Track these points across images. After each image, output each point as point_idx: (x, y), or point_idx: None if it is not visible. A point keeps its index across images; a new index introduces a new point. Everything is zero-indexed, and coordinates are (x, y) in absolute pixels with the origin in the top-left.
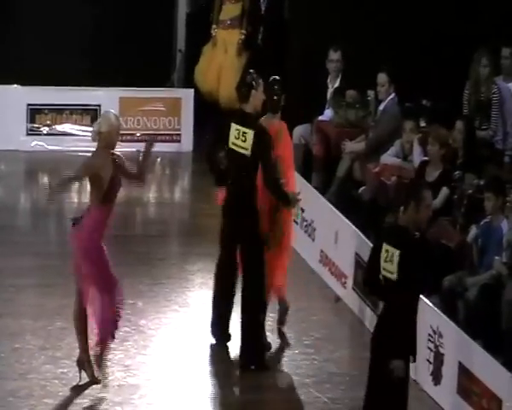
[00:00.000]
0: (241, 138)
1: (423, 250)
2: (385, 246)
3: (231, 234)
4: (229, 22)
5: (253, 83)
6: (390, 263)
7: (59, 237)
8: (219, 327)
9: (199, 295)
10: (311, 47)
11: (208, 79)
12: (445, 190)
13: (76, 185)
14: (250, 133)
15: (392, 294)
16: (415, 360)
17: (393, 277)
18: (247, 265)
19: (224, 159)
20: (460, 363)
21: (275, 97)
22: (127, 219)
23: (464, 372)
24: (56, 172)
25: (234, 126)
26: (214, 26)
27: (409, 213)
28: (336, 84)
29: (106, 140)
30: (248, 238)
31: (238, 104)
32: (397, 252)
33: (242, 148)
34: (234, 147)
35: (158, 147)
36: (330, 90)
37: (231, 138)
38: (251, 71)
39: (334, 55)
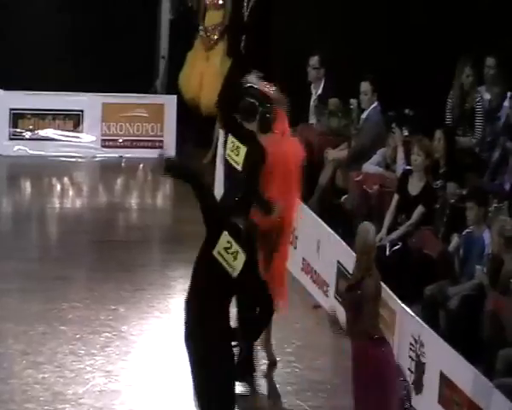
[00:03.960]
0: (234, 152)
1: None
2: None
3: None
4: (211, 29)
5: (258, 100)
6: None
7: (41, 242)
8: None
9: (180, 302)
10: (294, 55)
11: (191, 85)
12: (420, 209)
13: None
14: (243, 149)
15: None
16: None
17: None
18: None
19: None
20: (441, 372)
21: (267, 115)
22: (109, 224)
23: (445, 382)
24: (39, 178)
25: (230, 138)
26: (200, 31)
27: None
28: (319, 92)
29: None
30: None
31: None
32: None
33: (235, 162)
34: (229, 158)
35: (140, 153)
36: (313, 98)
37: (228, 148)
38: (255, 86)
39: (313, 61)
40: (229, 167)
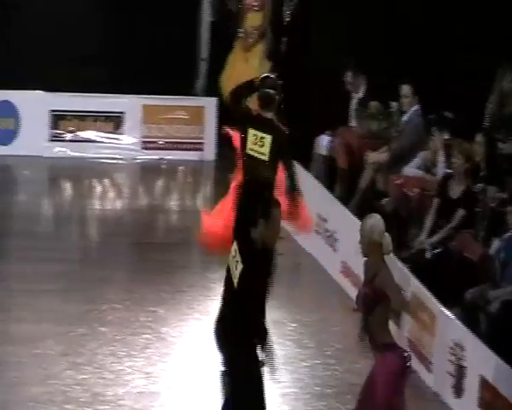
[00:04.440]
0: (258, 144)
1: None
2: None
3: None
4: (251, 31)
5: (276, 89)
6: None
7: (81, 243)
8: None
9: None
10: (335, 57)
11: (230, 86)
12: (461, 212)
13: None
14: (268, 138)
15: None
16: None
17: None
18: None
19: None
20: (482, 376)
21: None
22: (149, 226)
23: (486, 386)
24: (79, 179)
25: (251, 132)
26: (240, 33)
27: (259, 229)
28: (360, 95)
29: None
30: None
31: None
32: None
33: (260, 153)
34: (252, 152)
35: (180, 155)
36: (354, 101)
37: (249, 145)
38: (270, 75)
39: (347, 77)
40: (250, 164)
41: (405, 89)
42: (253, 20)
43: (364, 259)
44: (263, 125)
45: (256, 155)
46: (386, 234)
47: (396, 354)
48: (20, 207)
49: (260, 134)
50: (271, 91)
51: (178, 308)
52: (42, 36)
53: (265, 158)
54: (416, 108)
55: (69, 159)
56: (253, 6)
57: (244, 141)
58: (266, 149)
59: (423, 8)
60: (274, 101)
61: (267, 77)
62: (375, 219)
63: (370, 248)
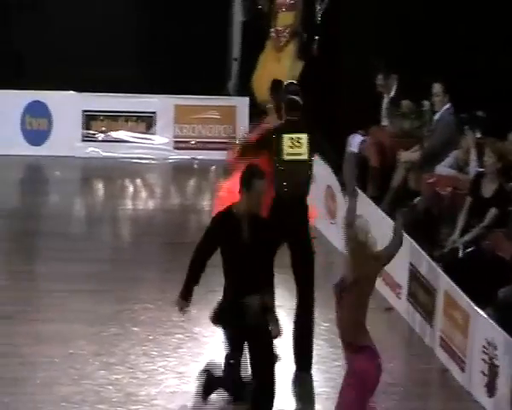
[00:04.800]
0: (296, 145)
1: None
2: None
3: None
4: (282, 30)
5: (299, 95)
6: None
7: (113, 243)
8: None
9: None
10: (366, 56)
11: (262, 86)
12: (493, 211)
13: None
14: (304, 137)
15: None
16: None
17: None
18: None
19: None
20: None
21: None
22: (181, 226)
23: None
24: (111, 179)
25: (286, 137)
26: (271, 33)
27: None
28: (391, 95)
29: None
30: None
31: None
32: None
33: (298, 154)
34: (289, 157)
35: (212, 155)
36: (385, 100)
37: (286, 150)
38: (294, 82)
39: (378, 80)
40: (290, 169)
41: (437, 87)
42: (285, 19)
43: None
44: (294, 127)
45: (295, 157)
46: (372, 235)
47: (366, 356)
48: (52, 207)
49: (296, 136)
50: (297, 98)
51: (211, 308)
52: (74, 36)
53: (305, 157)
54: (447, 106)
55: (101, 159)
56: (285, 5)
57: (278, 150)
58: (304, 148)
59: (455, 5)
60: (300, 106)
61: (291, 83)
62: (362, 221)
63: (356, 249)
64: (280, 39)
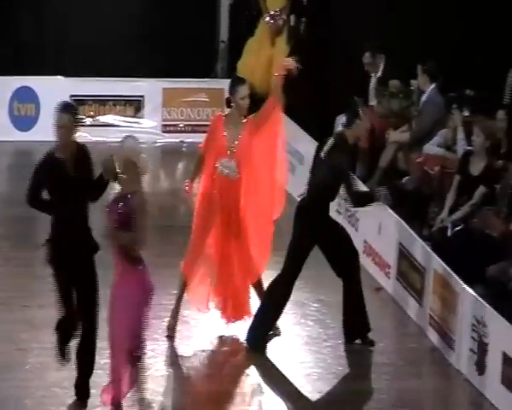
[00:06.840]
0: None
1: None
2: None
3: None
4: (277, 13)
5: (359, 112)
6: None
7: (102, 227)
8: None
9: None
10: (354, 36)
11: (258, 72)
12: (482, 189)
13: None
14: (330, 140)
15: None
16: None
17: None
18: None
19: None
20: (504, 353)
21: None
22: (170, 209)
23: (508, 362)
24: (100, 164)
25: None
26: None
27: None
28: (379, 75)
29: None
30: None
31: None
32: None
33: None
34: (324, 155)
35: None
36: (373, 80)
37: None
38: (357, 99)
39: (365, 58)
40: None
41: (419, 68)
42: (275, 2)
43: (121, 176)
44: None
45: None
46: (144, 155)
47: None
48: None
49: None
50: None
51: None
52: (61, 21)
53: (323, 156)
54: (433, 86)
55: (90, 143)
56: None
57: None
58: (326, 149)
59: None
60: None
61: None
62: (134, 141)
63: (127, 165)
64: (277, 23)
